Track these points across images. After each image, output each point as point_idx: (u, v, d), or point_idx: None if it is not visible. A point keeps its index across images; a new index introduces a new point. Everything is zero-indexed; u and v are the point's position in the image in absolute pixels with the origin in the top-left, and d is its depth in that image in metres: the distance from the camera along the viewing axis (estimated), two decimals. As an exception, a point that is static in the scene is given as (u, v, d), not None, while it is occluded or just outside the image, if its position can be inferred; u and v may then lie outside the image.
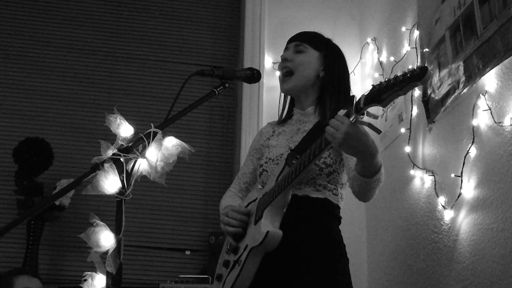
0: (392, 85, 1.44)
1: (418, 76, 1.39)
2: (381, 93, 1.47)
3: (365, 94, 1.53)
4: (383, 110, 3.14)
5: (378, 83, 1.49)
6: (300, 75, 2.06)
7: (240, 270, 1.86)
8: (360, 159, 1.70)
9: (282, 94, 2.19)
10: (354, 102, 1.56)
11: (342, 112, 1.61)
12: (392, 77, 1.46)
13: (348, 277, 1.92)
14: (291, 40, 2.15)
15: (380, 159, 1.73)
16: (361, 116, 1.56)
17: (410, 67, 2.82)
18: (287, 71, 2.08)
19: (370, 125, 1.55)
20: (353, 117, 1.56)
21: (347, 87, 2.09)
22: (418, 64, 2.73)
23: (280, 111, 2.19)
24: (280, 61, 2.13)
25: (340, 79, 2.08)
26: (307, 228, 1.90)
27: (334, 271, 1.87)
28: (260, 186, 2.04)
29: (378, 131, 1.55)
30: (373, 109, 1.54)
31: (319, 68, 2.07)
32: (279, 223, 1.86)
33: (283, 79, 2.10)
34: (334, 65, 2.09)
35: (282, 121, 2.16)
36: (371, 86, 1.51)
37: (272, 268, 1.87)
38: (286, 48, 2.14)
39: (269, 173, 2.00)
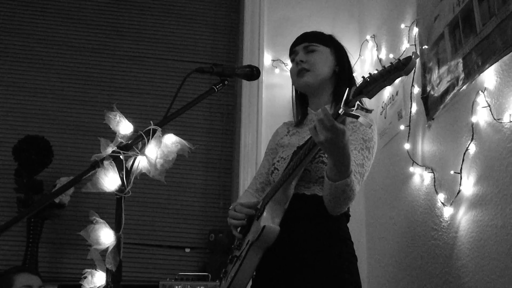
0: (377, 77, 1.45)
1: (403, 66, 1.39)
2: (368, 85, 1.47)
3: (354, 86, 1.53)
4: (382, 107, 3.15)
5: (368, 75, 1.49)
6: (317, 72, 2.06)
7: (240, 265, 1.86)
8: (333, 157, 1.67)
9: (294, 95, 2.19)
10: (345, 94, 1.55)
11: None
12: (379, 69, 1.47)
13: (357, 276, 1.90)
14: (297, 43, 2.14)
15: (352, 170, 1.73)
16: (351, 108, 1.53)
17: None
18: (303, 68, 2.07)
19: (359, 106, 1.51)
20: (341, 109, 1.53)
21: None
22: (418, 62, 2.73)
23: (295, 114, 2.18)
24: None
25: (351, 71, 2.13)
26: (315, 226, 1.89)
27: (341, 270, 1.86)
28: None
29: (369, 110, 1.52)
30: (368, 104, 1.54)
31: (334, 63, 2.09)
32: (279, 219, 1.86)
33: (298, 75, 2.08)
34: (344, 58, 2.13)
35: (298, 123, 2.16)
36: (361, 79, 1.51)
37: (279, 265, 1.87)
38: (294, 52, 2.13)
39: (279, 171, 1.99)
